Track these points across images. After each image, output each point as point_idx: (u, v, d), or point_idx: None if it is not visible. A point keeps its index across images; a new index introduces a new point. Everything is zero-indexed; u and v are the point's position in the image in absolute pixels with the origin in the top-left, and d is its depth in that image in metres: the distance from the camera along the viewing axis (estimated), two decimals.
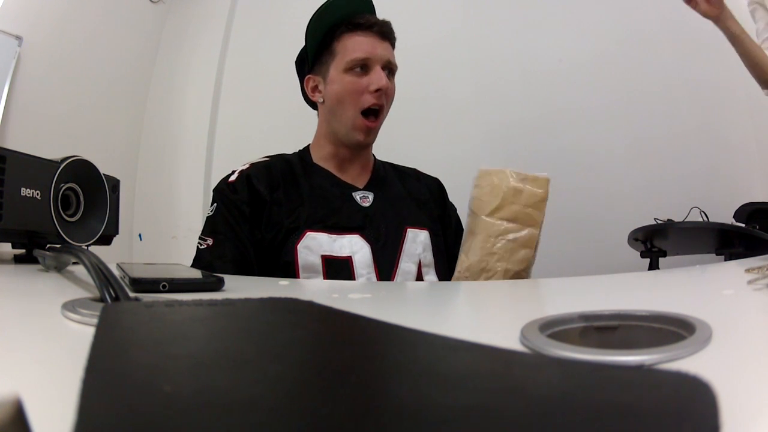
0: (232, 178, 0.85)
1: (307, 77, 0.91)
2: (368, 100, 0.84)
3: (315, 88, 0.90)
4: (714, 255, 1.39)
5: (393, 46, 0.91)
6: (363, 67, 0.85)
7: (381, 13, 0.92)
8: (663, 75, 1.71)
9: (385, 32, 0.88)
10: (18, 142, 1.65)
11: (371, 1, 0.90)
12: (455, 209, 0.99)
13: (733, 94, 1.65)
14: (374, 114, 0.86)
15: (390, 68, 0.88)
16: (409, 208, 0.90)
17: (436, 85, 1.90)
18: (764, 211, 1.34)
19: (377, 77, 0.84)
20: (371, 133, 0.87)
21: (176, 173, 2.21)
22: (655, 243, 1.42)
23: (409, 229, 0.87)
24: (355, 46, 0.85)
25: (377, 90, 0.84)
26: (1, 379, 0.20)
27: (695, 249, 1.48)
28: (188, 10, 2.38)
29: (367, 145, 0.90)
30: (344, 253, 0.81)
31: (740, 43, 1.09)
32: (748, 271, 0.44)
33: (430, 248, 0.88)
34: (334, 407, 0.12)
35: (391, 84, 0.88)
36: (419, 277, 0.86)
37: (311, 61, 0.91)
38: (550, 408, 0.12)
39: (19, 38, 1.80)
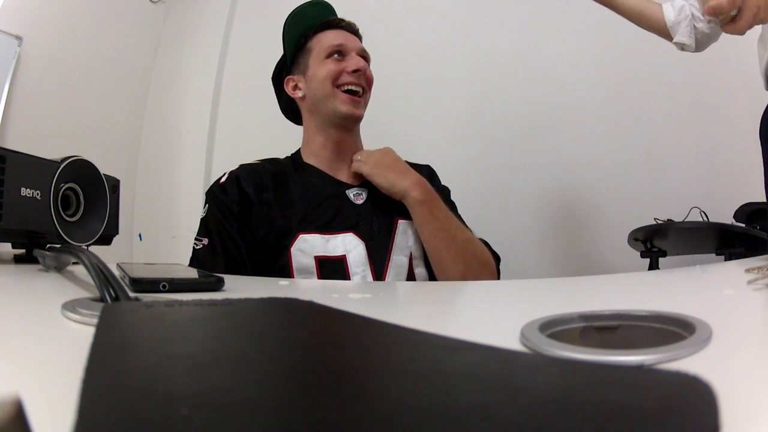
0: (223, 180, 0.88)
1: (287, 79, 0.97)
2: (347, 80, 0.90)
3: (295, 86, 0.96)
4: (714, 255, 1.40)
5: (361, 42, 0.98)
6: (340, 53, 0.92)
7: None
8: (663, 75, 1.71)
9: (353, 29, 0.97)
10: (18, 142, 1.65)
11: (335, 11, 1.00)
12: (449, 191, 0.99)
13: (733, 94, 1.65)
14: (356, 95, 0.91)
15: (364, 56, 0.95)
16: None
17: (436, 85, 1.90)
18: (764, 211, 1.34)
19: (354, 60, 0.91)
20: (358, 106, 0.91)
21: (176, 173, 2.21)
22: (655, 243, 1.42)
23: (400, 221, 0.88)
24: (331, 38, 0.93)
25: (356, 71, 0.90)
26: (1, 379, 0.20)
27: (695, 249, 1.48)
28: (188, 10, 2.38)
29: (355, 119, 0.92)
30: (338, 253, 0.82)
31: (622, 8, 1.02)
32: (748, 271, 0.44)
33: (420, 241, 0.88)
34: (334, 407, 0.12)
35: (369, 70, 0.94)
36: (410, 270, 0.86)
37: (289, 63, 0.98)
38: (550, 408, 0.12)
39: (19, 38, 1.80)
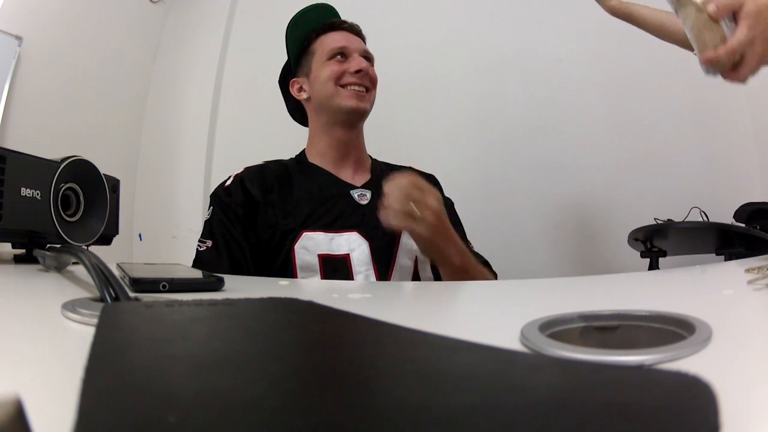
0: (228, 182, 0.88)
1: (291, 81, 0.98)
2: (349, 80, 0.90)
3: (300, 89, 0.97)
4: (714, 255, 1.39)
5: (364, 43, 0.99)
6: (342, 54, 0.92)
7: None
8: (663, 75, 1.71)
9: (356, 30, 0.98)
10: (18, 142, 1.65)
11: (337, 12, 1.01)
12: (452, 203, 0.99)
13: (733, 94, 1.65)
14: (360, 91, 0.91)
15: (367, 57, 0.95)
16: None
17: (436, 85, 1.90)
18: (764, 211, 1.34)
19: (357, 61, 0.91)
20: (363, 99, 0.91)
21: (176, 173, 2.21)
22: (655, 243, 1.42)
23: None
24: (333, 40, 0.94)
25: (358, 71, 0.90)
26: (1, 379, 0.20)
27: (695, 249, 1.48)
28: (188, 10, 2.37)
29: (361, 114, 0.92)
30: (342, 251, 0.82)
31: (643, 22, 1.03)
32: (748, 271, 0.44)
33: None
34: (334, 407, 0.12)
35: (372, 70, 0.95)
36: (415, 273, 0.86)
37: (294, 66, 0.99)
38: (550, 408, 0.12)
39: (19, 38, 1.80)
